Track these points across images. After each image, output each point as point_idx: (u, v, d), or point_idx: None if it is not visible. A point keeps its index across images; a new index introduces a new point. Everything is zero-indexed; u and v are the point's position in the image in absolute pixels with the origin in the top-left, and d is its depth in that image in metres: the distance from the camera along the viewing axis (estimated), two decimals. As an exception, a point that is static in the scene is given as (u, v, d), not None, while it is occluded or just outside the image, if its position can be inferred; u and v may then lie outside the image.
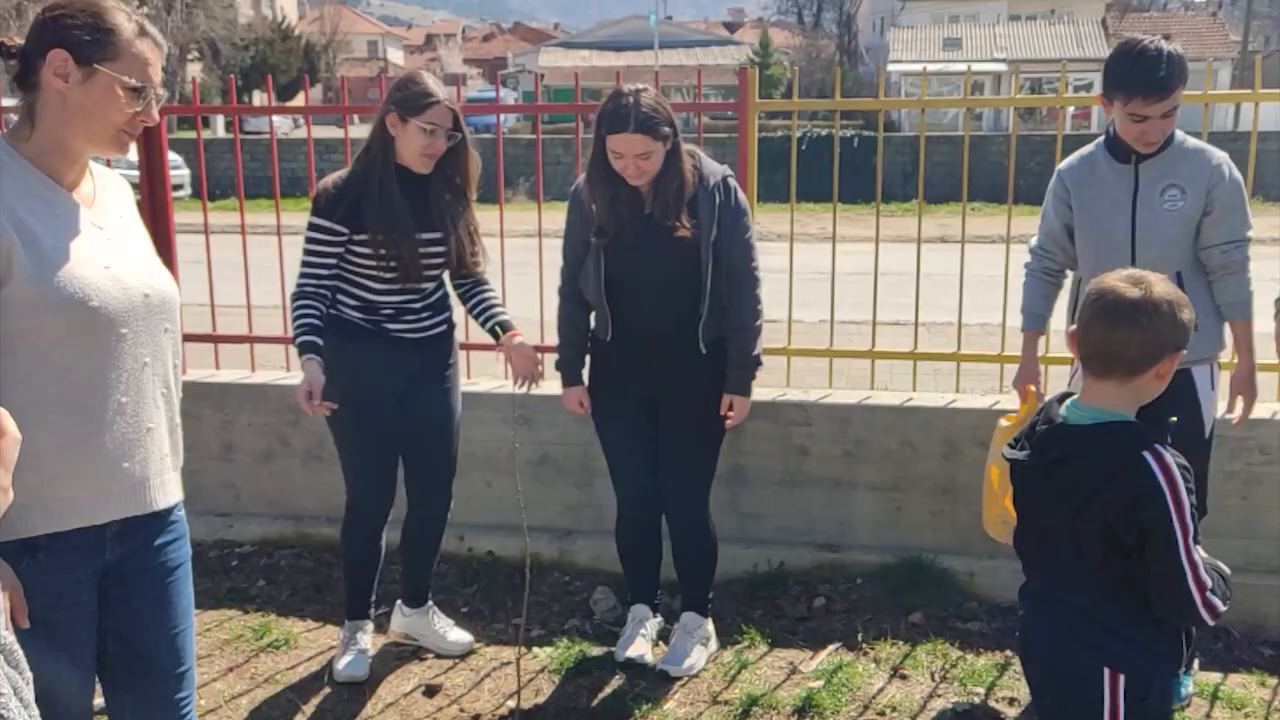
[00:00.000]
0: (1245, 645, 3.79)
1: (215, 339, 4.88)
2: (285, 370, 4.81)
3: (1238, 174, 3.25)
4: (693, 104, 4.62)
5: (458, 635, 3.80)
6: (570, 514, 4.46)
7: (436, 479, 3.67)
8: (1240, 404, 3.38)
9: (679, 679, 3.57)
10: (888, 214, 4.61)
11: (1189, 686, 3.40)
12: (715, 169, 3.45)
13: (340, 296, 3.40)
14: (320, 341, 3.25)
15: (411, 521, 3.74)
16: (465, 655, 3.76)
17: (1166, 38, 3.14)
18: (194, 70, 39.22)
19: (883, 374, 4.65)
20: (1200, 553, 2.05)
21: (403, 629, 3.83)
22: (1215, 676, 3.56)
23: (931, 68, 32.10)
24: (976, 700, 3.46)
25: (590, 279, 3.45)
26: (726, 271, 3.41)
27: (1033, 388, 3.44)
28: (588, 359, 3.64)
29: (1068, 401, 2.18)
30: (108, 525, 2.05)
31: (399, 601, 3.84)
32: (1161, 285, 2.07)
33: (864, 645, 3.77)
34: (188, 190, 18.08)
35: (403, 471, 3.67)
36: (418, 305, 3.45)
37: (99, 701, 2.22)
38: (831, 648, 3.77)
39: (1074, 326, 2.17)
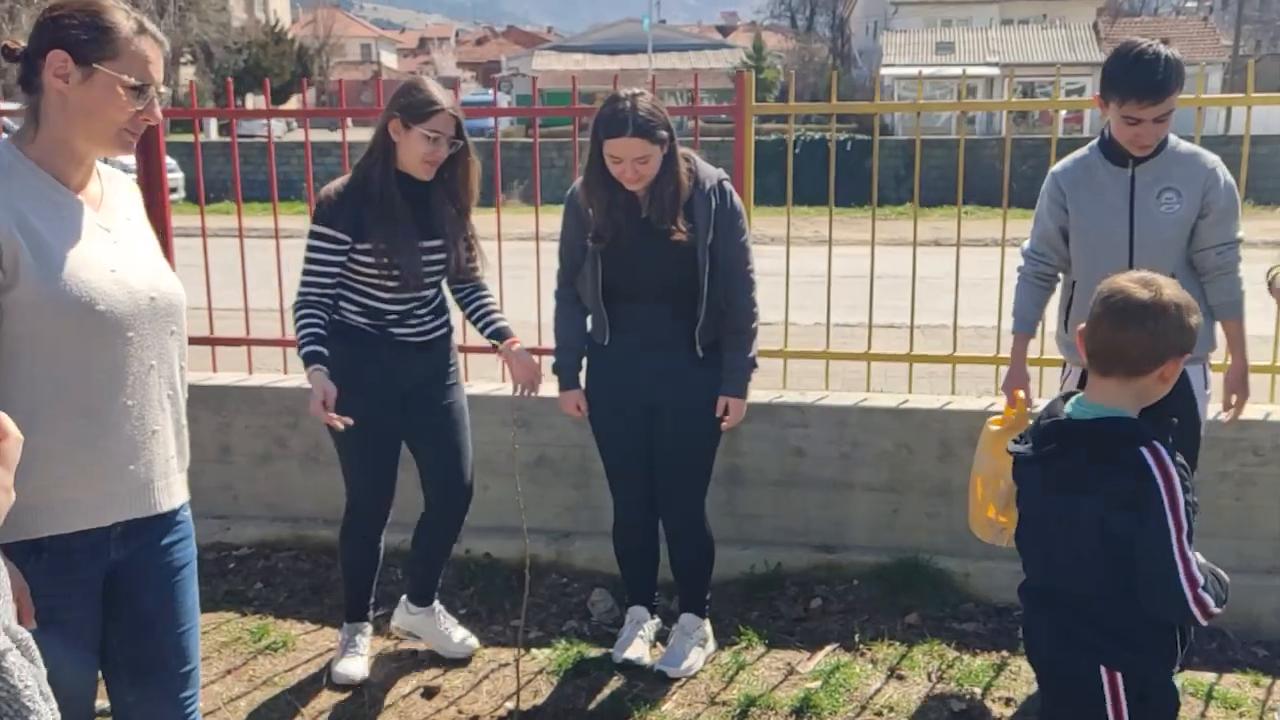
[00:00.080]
0: (1239, 645, 3.82)
1: (213, 341, 4.89)
2: (283, 373, 4.82)
3: (1231, 177, 3.28)
4: (689, 107, 4.64)
5: (462, 637, 3.78)
6: (567, 516, 4.48)
7: (454, 475, 3.62)
8: (1234, 402, 3.41)
9: (677, 680, 3.58)
10: (880, 217, 4.62)
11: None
12: (711, 172, 3.46)
13: (343, 303, 3.38)
14: (325, 351, 3.23)
15: (427, 520, 3.71)
16: (467, 658, 3.75)
17: (1165, 42, 3.15)
18: (187, 73, 39.14)
19: (877, 377, 4.67)
20: (1199, 558, 2.07)
21: (407, 626, 3.80)
22: (1210, 676, 3.58)
23: (925, 71, 32.22)
24: (973, 700, 3.48)
25: (587, 283, 3.46)
26: (722, 275, 3.42)
27: (1021, 393, 3.47)
28: (584, 362, 3.65)
29: (1072, 399, 2.21)
30: (113, 526, 2.06)
31: (404, 598, 3.81)
32: (1171, 289, 2.10)
33: (861, 646, 3.79)
34: (181, 193, 18.08)
35: (408, 474, 3.65)
36: (421, 310, 3.45)
37: (103, 703, 2.23)
38: (829, 648, 3.79)
39: (1083, 325, 2.20)
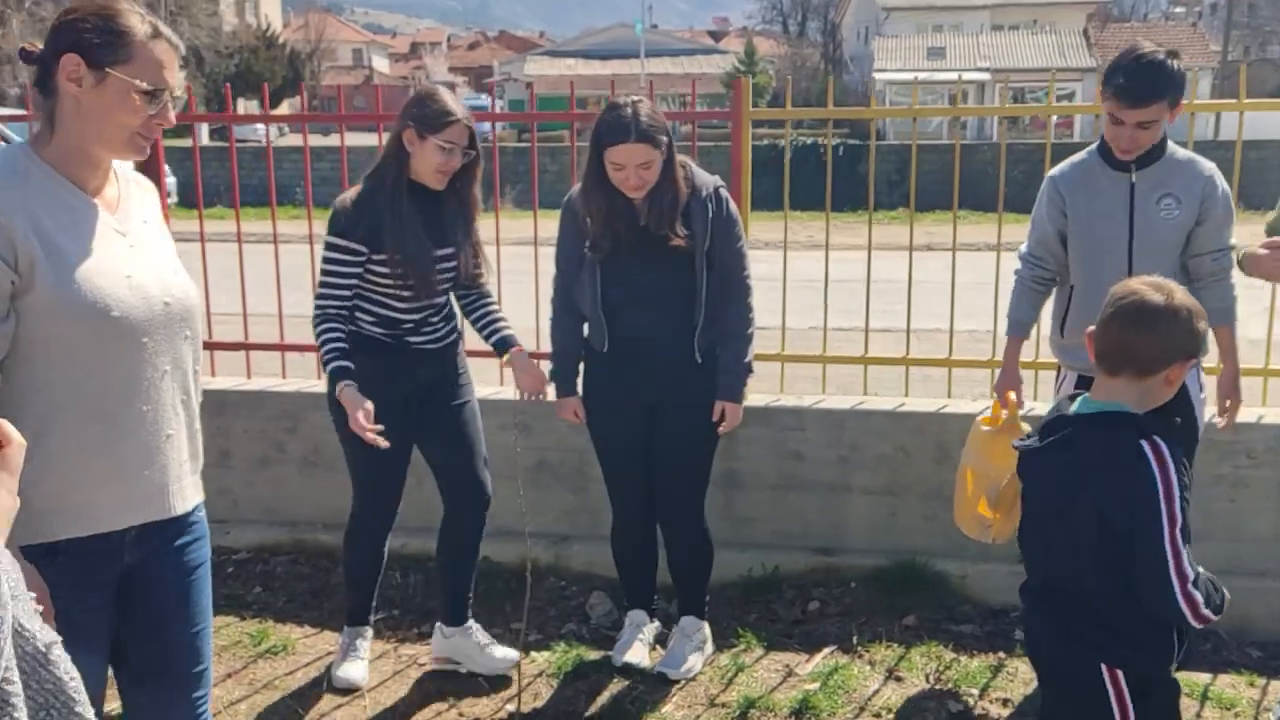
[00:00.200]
0: (1234, 646, 3.84)
1: (211, 346, 4.90)
2: (281, 377, 4.83)
3: (1226, 185, 3.31)
4: (687, 113, 4.66)
5: (503, 652, 3.68)
6: (566, 519, 4.49)
7: (471, 478, 3.60)
8: (1228, 407, 3.44)
9: (677, 682, 3.60)
10: (874, 221, 4.65)
11: None
12: (707, 179, 3.48)
13: (359, 314, 3.36)
14: (352, 366, 3.21)
15: (448, 529, 3.67)
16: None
17: (1174, 54, 3.13)
18: (178, 78, 39.07)
19: (871, 381, 4.69)
20: (1201, 570, 2.11)
21: (446, 653, 3.70)
22: (1204, 677, 3.61)
23: (908, 76, 32.26)
24: (971, 702, 3.50)
25: (586, 292, 3.47)
26: (719, 281, 3.44)
27: (1012, 395, 3.50)
28: (581, 368, 3.66)
29: (1079, 399, 2.26)
30: (127, 530, 2.07)
31: (438, 624, 3.72)
32: (1182, 294, 2.16)
33: (859, 648, 3.81)
34: (174, 198, 18.08)
35: (410, 482, 3.64)
36: (435, 318, 3.44)
37: (113, 707, 2.24)
38: (827, 650, 3.81)
39: (1092, 327, 2.24)
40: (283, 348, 4.80)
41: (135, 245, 2.07)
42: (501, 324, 3.59)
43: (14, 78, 31.65)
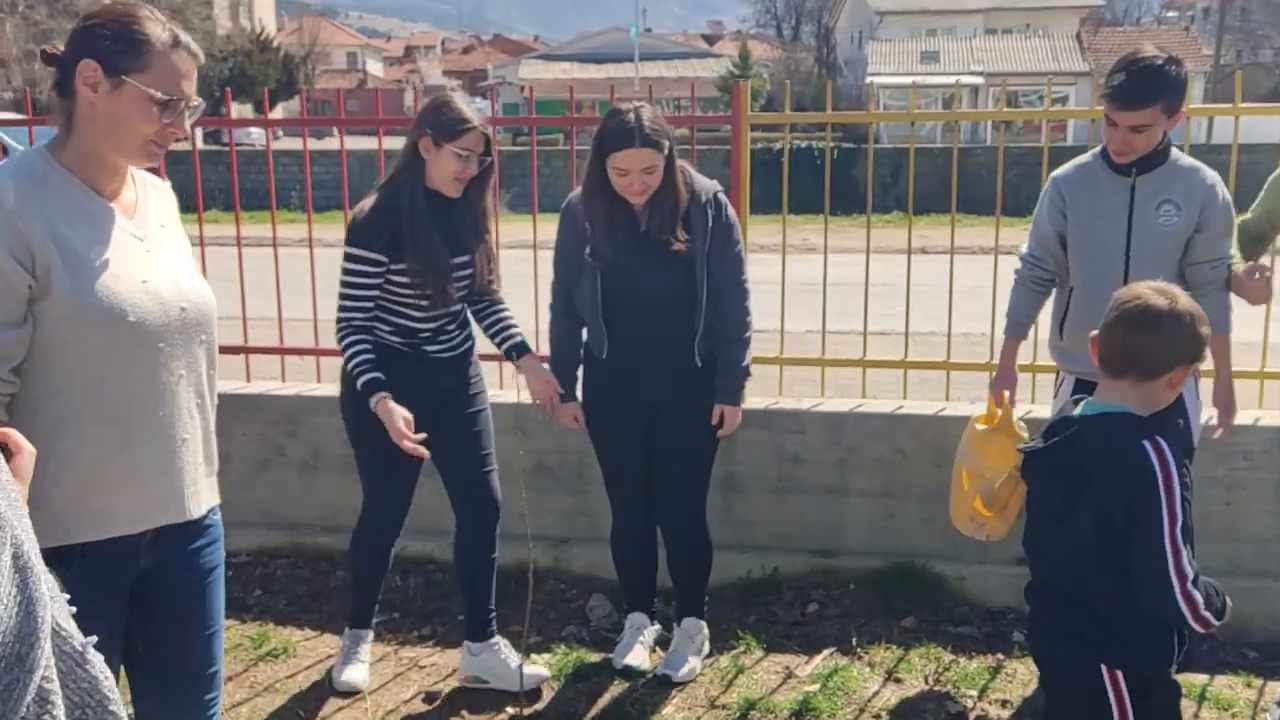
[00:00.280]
0: (1230, 648, 3.86)
1: (210, 350, 4.90)
2: (280, 380, 4.84)
3: (1228, 195, 3.31)
4: (686, 117, 4.68)
5: (531, 670, 3.61)
6: (565, 522, 4.50)
7: (485, 488, 3.57)
8: (1221, 417, 3.46)
9: (677, 683, 3.61)
10: (865, 225, 4.68)
11: None
12: (706, 184, 3.49)
13: (377, 324, 3.34)
14: (383, 376, 3.20)
15: (462, 540, 3.63)
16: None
17: (1176, 61, 3.12)
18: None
19: (867, 383, 4.70)
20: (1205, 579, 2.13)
21: (473, 671, 3.64)
22: (1202, 678, 3.63)
23: (907, 80, 32.33)
24: (969, 703, 3.52)
25: (586, 298, 3.47)
26: (718, 285, 3.46)
27: (1006, 393, 3.54)
28: (580, 372, 3.67)
29: (1083, 402, 2.29)
30: (143, 533, 2.08)
31: (465, 643, 3.67)
32: (1185, 299, 2.20)
33: (858, 649, 3.82)
34: (170, 202, 18.04)
35: (420, 492, 3.64)
36: (451, 326, 3.43)
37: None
38: (826, 652, 3.83)
39: (1095, 331, 2.26)
40: (282, 351, 4.81)
41: (152, 250, 2.07)
42: (514, 330, 3.58)
43: (8, 81, 31.62)
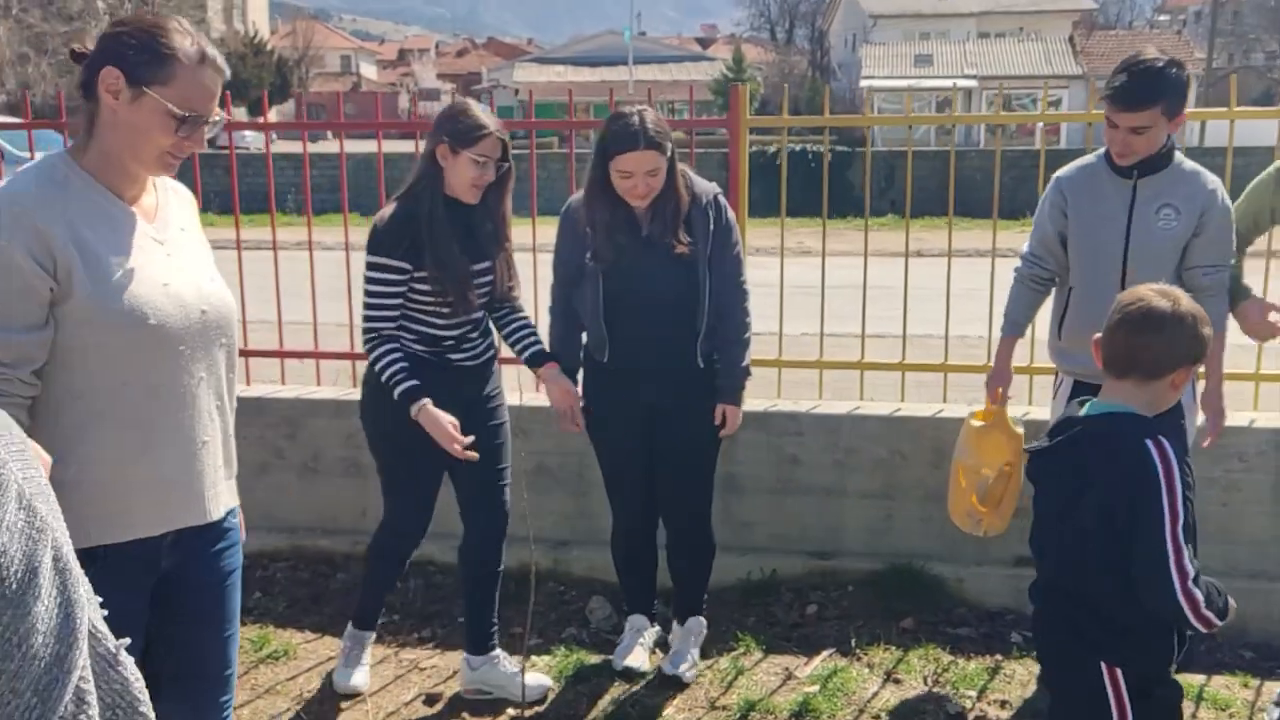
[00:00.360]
0: (1227, 648, 3.89)
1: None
2: (280, 384, 4.85)
3: (1229, 201, 3.32)
4: (685, 121, 4.70)
5: (535, 679, 3.61)
6: (565, 524, 4.51)
7: (498, 500, 3.55)
8: (1210, 424, 3.48)
9: (677, 685, 3.63)
10: (860, 228, 4.70)
11: None
12: (705, 186, 3.51)
13: (401, 333, 3.32)
14: (419, 382, 3.19)
15: (468, 549, 3.59)
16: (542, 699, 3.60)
17: (1178, 64, 3.14)
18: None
19: (864, 385, 4.72)
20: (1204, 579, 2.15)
21: (476, 683, 3.61)
22: (1199, 678, 3.65)
23: (904, 84, 32.38)
24: (968, 704, 3.53)
25: (588, 302, 3.47)
26: (719, 287, 3.48)
27: (1001, 389, 3.58)
28: (581, 376, 3.68)
29: (1089, 403, 2.32)
30: (164, 536, 2.09)
31: (465, 656, 3.64)
32: (1188, 301, 2.23)
33: (857, 650, 3.84)
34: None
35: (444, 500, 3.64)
36: (474, 334, 3.41)
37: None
38: (825, 653, 3.84)
39: (1099, 334, 2.29)
40: (281, 354, 4.82)
41: (173, 253, 2.08)
42: (535, 339, 3.55)
43: (1, 85, 31.56)
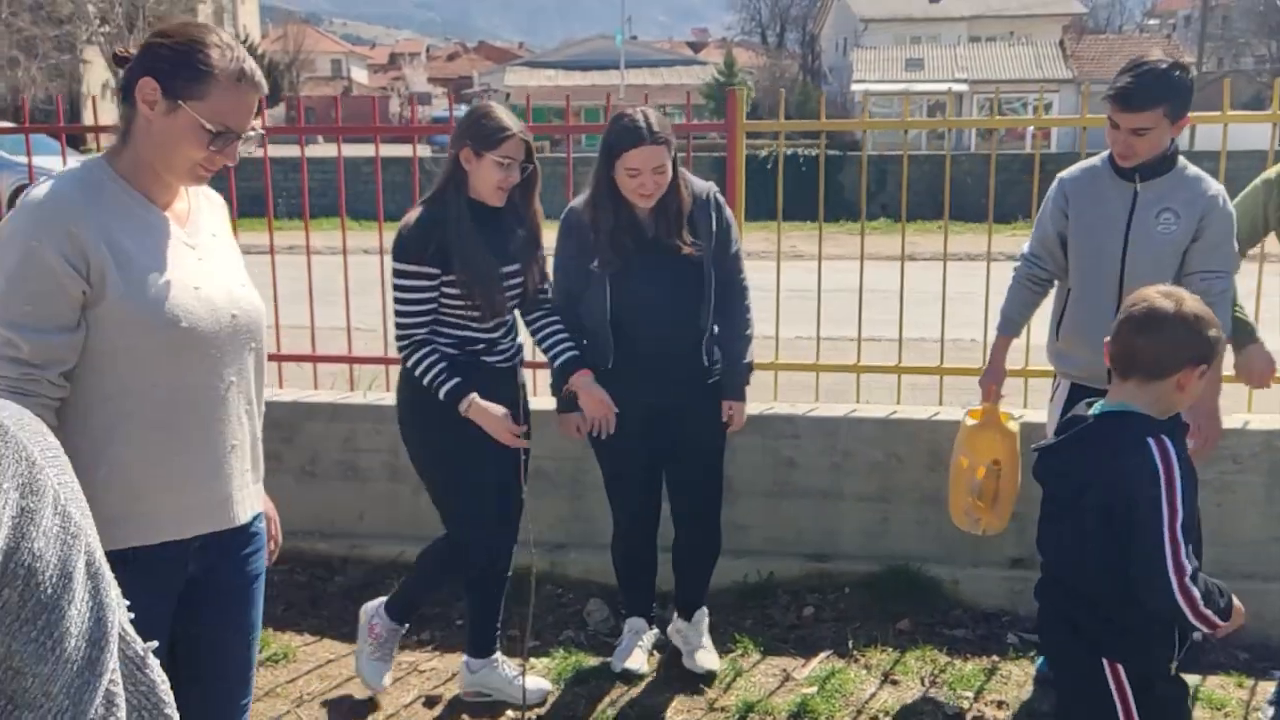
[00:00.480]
0: (1222, 649, 3.91)
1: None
2: (278, 387, 4.85)
3: (1231, 208, 3.32)
4: (681, 125, 4.72)
5: (535, 683, 3.60)
6: (562, 527, 4.52)
7: (515, 508, 3.52)
8: (1199, 433, 3.50)
9: (675, 687, 3.64)
10: (855, 232, 4.73)
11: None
12: (702, 186, 3.53)
13: (435, 337, 3.30)
14: (464, 380, 3.19)
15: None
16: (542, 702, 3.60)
17: (1182, 67, 3.15)
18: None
19: (854, 389, 4.74)
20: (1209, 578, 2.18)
21: (475, 686, 3.61)
22: (1194, 679, 3.67)
23: (897, 88, 32.44)
24: (966, 705, 3.55)
25: (595, 307, 3.47)
26: (722, 285, 3.51)
27: (994, 387, 3.61)
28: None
29: (1097, 404, 2.34)
30: (192, 539, 2.10)
31: (465, 659, 3.64)
32: (1193, 302, 2.24)
33: (854, 652, 3.86)
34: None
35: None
36: (506, 337, 3.39)
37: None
38: (823, 655, 3.86)
39: (1109, 337, 2.32)
40: (280, 358, 4.82)
41: (204, 258, 2.09)
42: (569, 344, 3.50)
43: (-7, 88, 31.50)
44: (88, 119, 5.24)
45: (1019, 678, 3.69)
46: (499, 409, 3.20)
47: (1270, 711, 3.40)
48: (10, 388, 1.92)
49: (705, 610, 3.85)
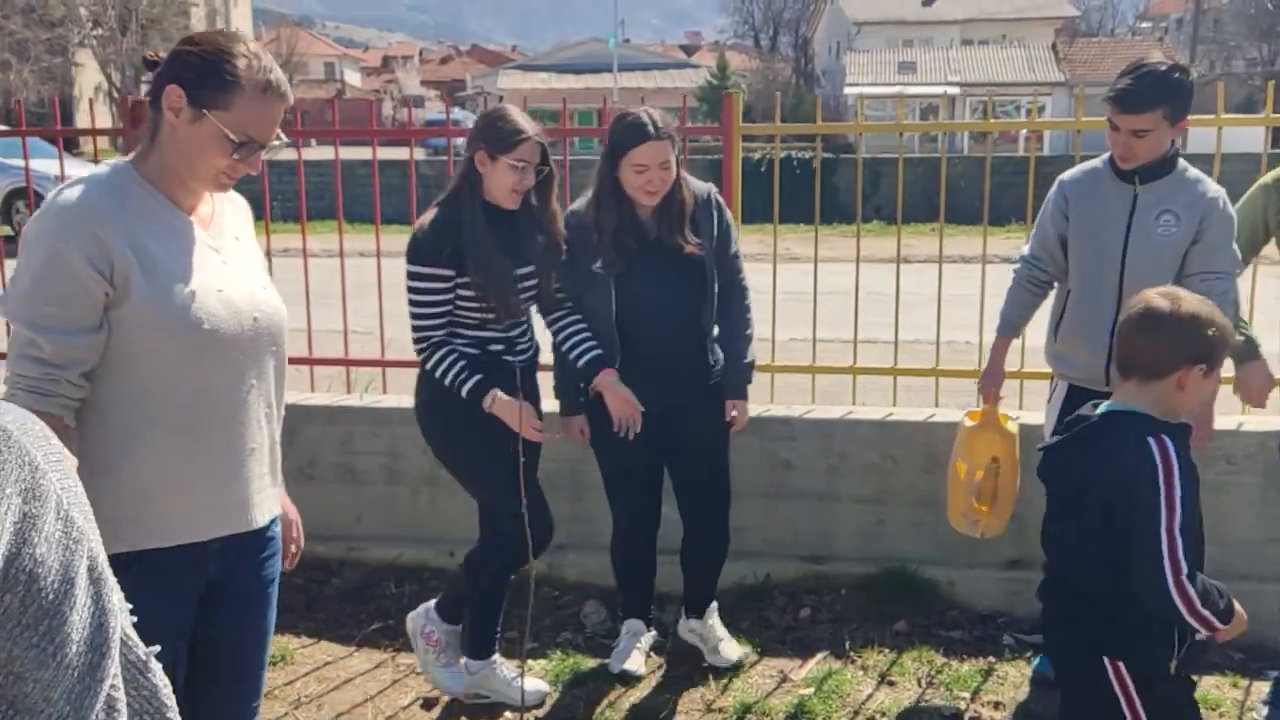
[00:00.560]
0: (1217, 649, 3.92)
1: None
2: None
3: (1231, 211, 3.33)
4: (677, 127, 4.71)
5: (533, 685, 3.59)
6: (559, 529, 4.47)
7: (541, 507, 3.47)
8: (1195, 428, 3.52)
9: (675, 688, 3.66)
10: (848, 234, 4.74)
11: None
12: (701, 186, 3.55)
13: (452, 339, 3.30)
14: (485, 376, 3.20)
15: (486, 553, 3.54)
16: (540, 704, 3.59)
17: (1183, 70, 3.16)
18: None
19: (849, 390, 4.76)
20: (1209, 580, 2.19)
21: (473, 689, 3.61)
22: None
23: (890, 91, 32.47)
24: (962, 705, 3.56)
25: (599, 309, 3.47)
26: (723, 284, 3.53)
27: (993, 388, 3.62)
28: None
29: (1103, 403, 2.35)
30: (211, 541, 2.10)
31: (464, 660, 3.62)
32: (1192, 302, 2.24)
33: (851, 653, 3.87)
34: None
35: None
36: (524, 337, 3.40)
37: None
38: (819, 656, 3.87)
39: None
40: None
41: (228, 261, 2.10)
42: (591, 344, 3.49)
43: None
44: (81, 122, 5.24)
45: (1015, 678, 3.71)
46: (521, 404, 3.22)
47: (1265, 712, 3.42)
48: (31, 387, 1.93)
49: (716, 605, 3.88)
